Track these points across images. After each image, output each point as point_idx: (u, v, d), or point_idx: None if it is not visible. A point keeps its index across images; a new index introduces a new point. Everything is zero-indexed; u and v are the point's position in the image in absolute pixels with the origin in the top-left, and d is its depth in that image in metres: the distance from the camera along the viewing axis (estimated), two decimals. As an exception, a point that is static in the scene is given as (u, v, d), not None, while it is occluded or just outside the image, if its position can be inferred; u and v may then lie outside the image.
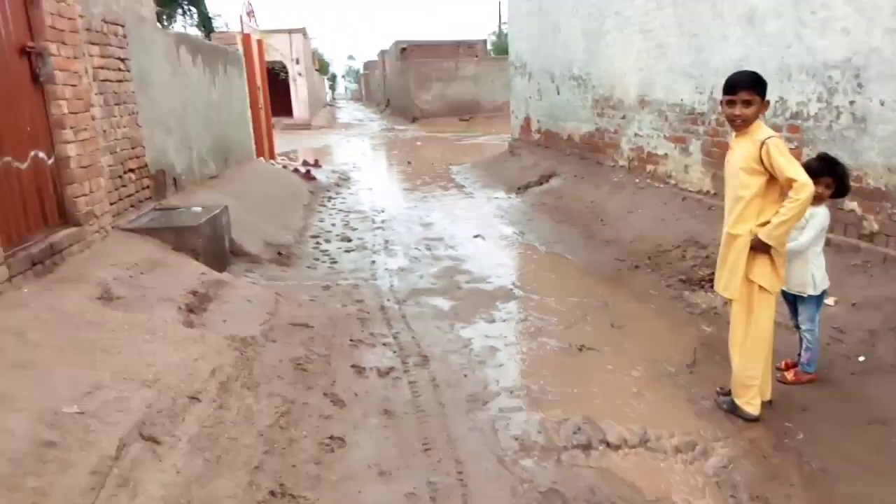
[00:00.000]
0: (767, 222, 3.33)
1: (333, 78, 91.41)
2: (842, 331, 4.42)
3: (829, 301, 4.59)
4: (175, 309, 4.42)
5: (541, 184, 11.03)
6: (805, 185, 3.17)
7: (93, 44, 5.50)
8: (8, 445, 2.51)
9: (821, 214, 3.80)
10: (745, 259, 3.42)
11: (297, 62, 31.09)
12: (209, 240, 5.95)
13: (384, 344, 4.73)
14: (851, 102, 5.18)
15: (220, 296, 5.03)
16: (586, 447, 3.35)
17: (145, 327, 3.95)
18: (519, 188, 11.30)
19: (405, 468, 3.17)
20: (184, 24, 19.24)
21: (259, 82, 13.48)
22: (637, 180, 8.76)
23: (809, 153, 5.39)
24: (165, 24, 15.22)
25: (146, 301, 4.45)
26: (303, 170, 13.14)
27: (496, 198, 11.10)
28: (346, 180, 13.57)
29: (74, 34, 5.08)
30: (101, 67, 5.63)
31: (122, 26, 6.13)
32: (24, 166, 4.44)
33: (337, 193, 11.98)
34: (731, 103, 3.36)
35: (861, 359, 4.11)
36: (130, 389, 3.17)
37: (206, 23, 18.70)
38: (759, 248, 3.37)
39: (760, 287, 3.44)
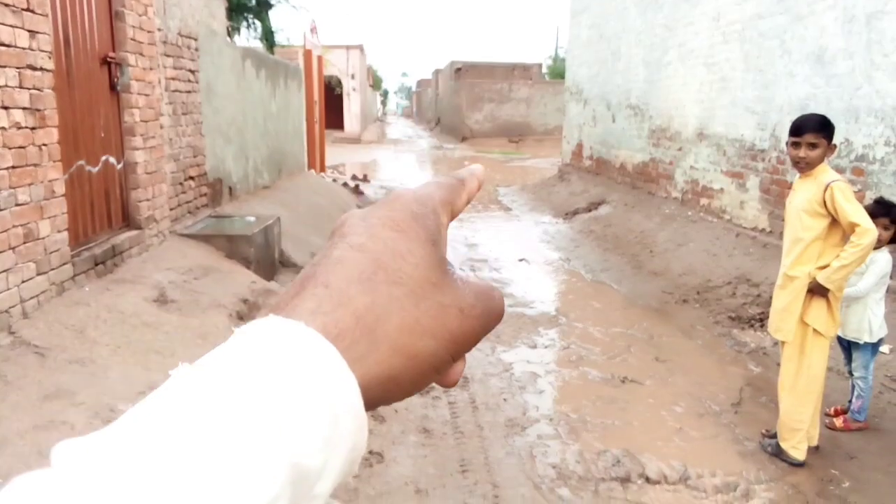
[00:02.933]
0: (826, 265, 3.28)
1: (385, 94, 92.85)
2: (896, 380, 4.29)
3: (885, 349, 4.47)
4: (226, 315, 4.55)
5: (589, 210, 10.98)
6: (868, 231, 3.13)
7: (167, 56, 5.75)
8: (67, 438, 2.63)
9: (881, 260, 3.72)
10: (801, 301, 3.37)
11: (353, 77, 31.71)
12: (261, 249, 6.11)
13: (426, 362, 4.76)
14: (918, 147, 5.06)
15: (268, 304, 5.15)
16: (624, 480, 3.32)
17: (198, 331, 4.08)
18: (567, 214, 11.27)
19: (441, 488, 3.19)
20: (247, 36, 19.84)
21: (316, 97, 13.81)
22: (689, 213, 8.66)
23: (873, 197, 5.26)
24: (230, 36, 15.73)
25: (199, 306, 4.59)
26: (352, 184, 13.37)
27: (543, 222, 11.09)
28: (394, 196, 13.72)
29: (152, 46, 5.32)
30: (173, 78, 5.88)
31: (195, 39, 6.39)
32: (95, 170, 4.66)
33: (385, 209, 12.11)
34: (796, 145, 3.33)
35: (916, 411, 3.98)
36: (181, 391, 3.28)
37: (268, 36, 19.25)
38: (816, 291, 3.32)
39: (815, 331, 3.38)
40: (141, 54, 5.11)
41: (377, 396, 0.32)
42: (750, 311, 5.73)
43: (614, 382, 4.58)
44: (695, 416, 4.08)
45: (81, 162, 4.47)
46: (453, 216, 0.41)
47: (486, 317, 0.36)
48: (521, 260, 8.28)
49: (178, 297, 4.61)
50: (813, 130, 3.30)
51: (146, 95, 5.24)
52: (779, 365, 3.63)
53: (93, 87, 4.60)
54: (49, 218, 3.89)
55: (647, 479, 3.34)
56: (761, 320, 5.54)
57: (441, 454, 3.52)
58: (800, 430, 3.47)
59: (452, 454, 3.53)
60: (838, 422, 3.92)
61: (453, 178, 0.42)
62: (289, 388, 0.27)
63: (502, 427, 3.86)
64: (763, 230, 7.07)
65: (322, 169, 14.30)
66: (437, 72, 44.28)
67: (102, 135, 4.79)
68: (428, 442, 3.64)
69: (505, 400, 4.24)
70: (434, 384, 0.37)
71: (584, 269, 7.89)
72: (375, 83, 57.49)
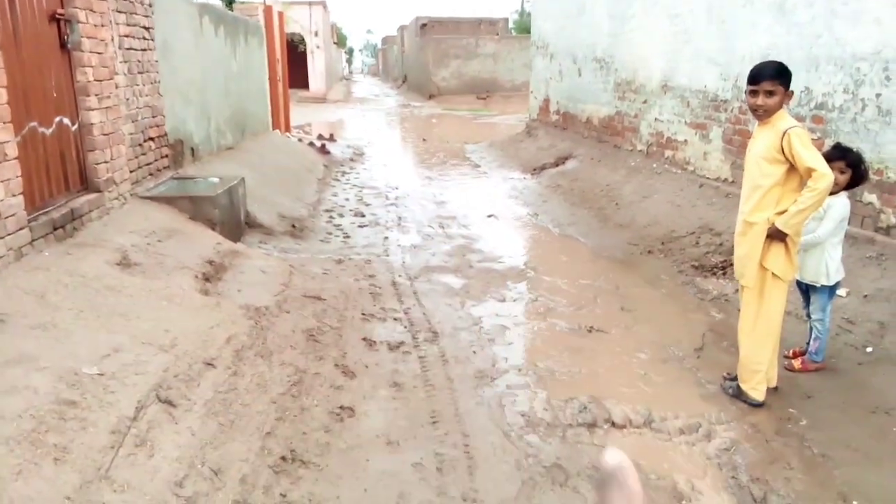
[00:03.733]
0: (785, 211, 3.34)
1: (351, 52, 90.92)
2: (851, 321, 4.44)
3: (842, 292, 4.60)
4: (192, 277, 4.51)
5: (557, 165, 11.00)
6: (824, 176, 3.18)
7: (119, 12, 5.54)
8: (31, 403, 2.60)
9: (838, 205, 3.80)
10: (760, 247, 3.44)
11: (316, 35, 30.96)
12: (225, 210, 6.03)
13: (395, 319, 4.80)
14: (878, 95, 5.13)
15: (235, 266, 5.11)
16: (591, 426, 3.41)
17: (163, 294, 4.03)
18: (535, 169, 11.28)
19: (413, 439, 3.25)
20: (205, -7, 19.15)
21: (278, 54, 13.48)
22: (654, 165, 8.73)
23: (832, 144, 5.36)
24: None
25: (163, 268, 4.53)
26: (318, 143, 13.18)
27: (511, 178, 11.10)
28: (360, 155, 13.60)
29: (102, 2, 5.12)
30: (127, 36, 5.68)
31: (147, -5, 6.16)
32: (48, 132, 4.51)
33: (351, 168, 12.01)
34: (753, 93, 3.37)
35: (869, 350, 4.13)
36: (148, 353, 3.26)
37: (227, -8, 18.65)
38: (775, 236, 3.39)
39: (774, 275, 3.46)
40: (91, 10, 4.92)
41: None
42: (712, 260, 5.84)
43: (581, 332, 4.66)
44: (659, 362, 4.18)
45: (34, 123, 4.33)
46: None
47: None
48: (489, 216, 8.31)
49: (141, 259, 4.55)
50: (769, 78, 3.33)
51: (99, 53, 5.06)
52: (740, 311, 3.73)
53: (41, 46, 4.43)
54: (2, 182, 3.78)
55: (613, 424, 3.43)
56: (723, 268, 5.65)
57: (412, 407, 3.57)
58: (759, 372, 3.59)
59: (423, 406, 3.58)
60: (796, 363, 4.05)
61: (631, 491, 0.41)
62: None
63: (472, 379, 3.92)
64: (725, 180, 7.17)
65: (287, 129, 14.05)
66: (402, 28, 43.46)
67: (55, 95, 4.63)
68: (399, 395, 3.68)
69: (474, 353, 4.29)
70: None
71: (552, 224, 7.95)
72: (340, 41, 56.22)
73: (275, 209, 7.43)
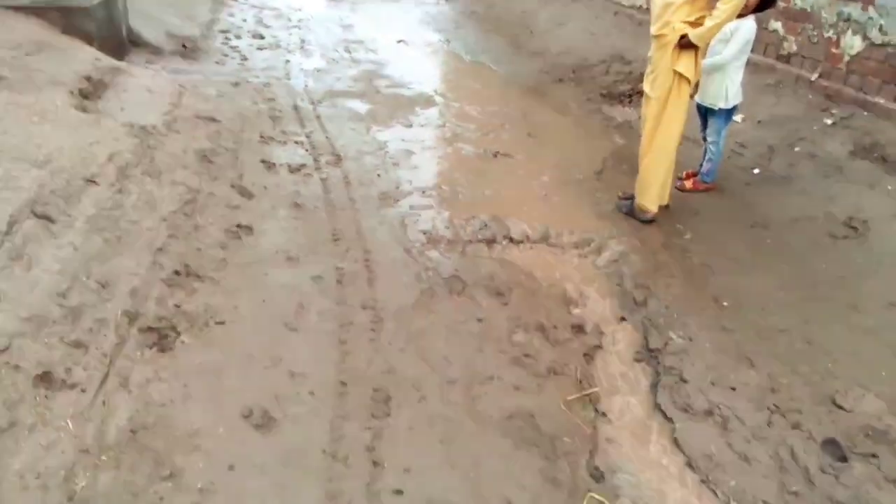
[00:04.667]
0: (695, 21, 3.32)
1: None
2: (744, 146, 4.61)
3: (738, 118, 4.73)
4: (66, 93, 4.10)
5: (471, -9, 10.45)
6: None
7: None
8: None
9: (744, 28, 3.80)
10: (670, 54, 3.43)
11: None
12: (103, 24, 5.43)
13: (296, 142, 4.60)
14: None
15: (117, 84, 4.68)
16: (490, 241, 3.48)
17: (33, 109, 3.66)
18: (448, -5, 10.69)
19: (313, 255, 3.22)
20: None
21: None
22: (570, -8, 8.42)
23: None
24: None
25: (33, 83, 4.09)
26: (213, -41, 11.88)
27: (424, 3, 10.49)
28: (261, -25, 12.42)
29: None
30: None
31: None
32: None
33: (251, -12, 10.99)
34: None
35: (756, 171, 4.33)
36: (19, 169, 3.00)
37: None
38: (686, 46, 3.39)
39: (680, 78, 3.47)
40: None
41: None
42: (621, 88, 5.84)
43: (486, 157, 4.64)
44: (560, 185, 4.25)
45: None
46: None
47: None
48: (399, 41, 7.91)
49: (6, 73, 4.07)
50: None
51: None
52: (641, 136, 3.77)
53: None
54: None
55: (511, 240, 3.52)
56: (630, 96, 5.68)
57: (313, 226, 3.52)
58: (653, 189, 3.71)
59: (324, 226, 3.54)
60: (688, 183, 4.22)
61: None
62: None
63: (375, 200, 3.88)
64: (640, 7, 7.02)
65: (175, -59, 12.53)
66: None
67: None
68: (299, 216, 3.61)
69: (378, 176, 4.22)
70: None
71: (464, 51, 7.67)
72: None
73: (162, 27, 6.76)
